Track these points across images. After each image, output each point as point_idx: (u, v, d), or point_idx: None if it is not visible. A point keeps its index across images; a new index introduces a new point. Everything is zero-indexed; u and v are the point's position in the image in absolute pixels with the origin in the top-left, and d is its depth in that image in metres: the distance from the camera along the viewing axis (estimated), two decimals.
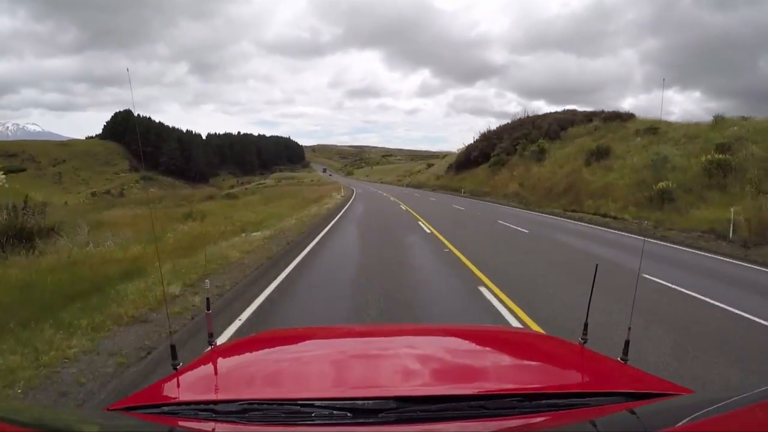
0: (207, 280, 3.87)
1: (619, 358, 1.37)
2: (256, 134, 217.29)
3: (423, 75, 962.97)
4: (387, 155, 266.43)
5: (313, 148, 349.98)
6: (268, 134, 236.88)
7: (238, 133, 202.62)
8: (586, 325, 1.53)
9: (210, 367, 1.32)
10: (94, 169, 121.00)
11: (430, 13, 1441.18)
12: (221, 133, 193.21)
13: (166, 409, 1.04)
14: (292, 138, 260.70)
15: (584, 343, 1.48)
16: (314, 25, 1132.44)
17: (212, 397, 1.09)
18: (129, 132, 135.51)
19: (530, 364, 1.40)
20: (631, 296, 4.97)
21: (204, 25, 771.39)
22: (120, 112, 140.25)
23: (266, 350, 1.55)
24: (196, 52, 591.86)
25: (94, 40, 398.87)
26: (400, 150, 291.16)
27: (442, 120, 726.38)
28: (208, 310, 1.58)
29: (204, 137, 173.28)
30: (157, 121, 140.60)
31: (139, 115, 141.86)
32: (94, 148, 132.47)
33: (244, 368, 1.37)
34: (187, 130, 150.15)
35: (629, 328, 1.46)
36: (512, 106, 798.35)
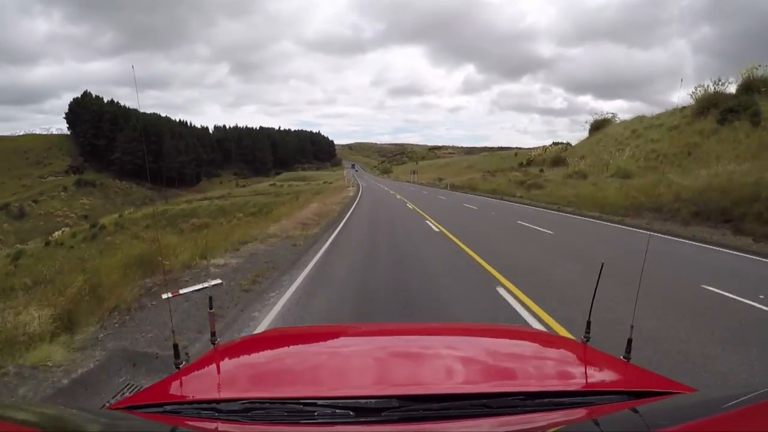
0: (213, 281, 3.95)
1: (621, 357, 1.35)
2: (276, 127, 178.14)
3: (467, 71, 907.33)
4: (435, 148, 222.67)
5: (351, 146, 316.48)
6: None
7: (260, 127, 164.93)
8: (588, 324, 1.51)
9: (213, 366, 1.32)
10: (15, 171, 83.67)
11: (476, 5, 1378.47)
12: (231, 125, 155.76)
13: (168, 408, 1.03)
14: (327, 136, 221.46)
15: (587, 341, 1.46)
16: (355, 20, 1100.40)
17: (215, 396, 1.08)
18: (80, 121, 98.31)
19: (533, 363, 1.37)
20: None
21: (243, 23, 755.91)
22: (77, 98, 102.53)
23: (269, 349, 1.51)
24: (236, 52, 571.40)
25: (132, 41, 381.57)
26: (444, 147, 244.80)
27: (484, 118, 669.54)
28: (211, 309, 1.58)
29: (200, 129, 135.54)
30: (124, 104, 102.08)
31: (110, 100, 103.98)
32: (30, 143, 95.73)
33: (247, 367, 1.35)
34: (163, 117, 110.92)
35: (632, 327, 1.43)
36: (558, 101, 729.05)
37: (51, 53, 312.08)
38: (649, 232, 10.60)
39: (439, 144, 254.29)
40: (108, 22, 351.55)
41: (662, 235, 10.88)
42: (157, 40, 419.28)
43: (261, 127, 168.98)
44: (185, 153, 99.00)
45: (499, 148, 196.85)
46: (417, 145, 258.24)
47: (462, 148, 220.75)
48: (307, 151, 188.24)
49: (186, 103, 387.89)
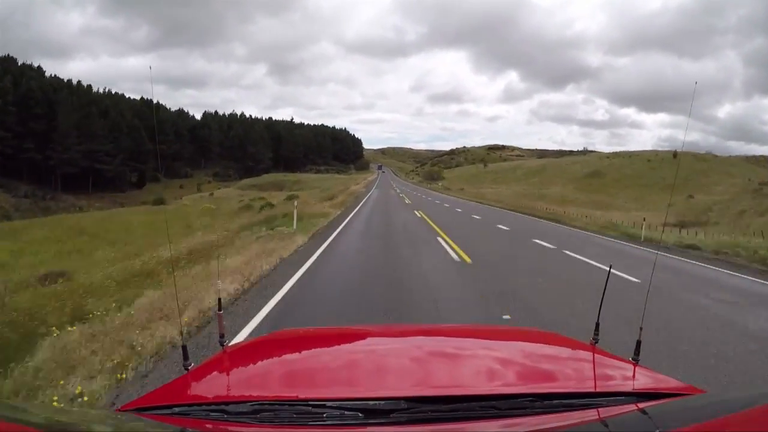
0: (219, 280, 3.66)
1: (630, 358, 1.34)
2: (286, 119, 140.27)
3: (509, 78, 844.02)
4: (494, 148, 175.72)
5: (383, 151, 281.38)
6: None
7: (268, 117, 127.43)
8: (597, 325, 1.50)
9: (221, 367, 1.33)
10: None
11: (524, 9, 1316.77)
12: (228, 113, 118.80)
13: (177, 410, 1.02)
14: (354, 133, 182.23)
15: (596, 342, 1.45)
16: (398, 22, 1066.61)
17: (224, 397, 1.08)
18: None
19: (541, 364, 1.36)
20: None
21: (281, 21, 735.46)
22: None
23: (277, 351, 1.51)
24: (274, 52, 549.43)
25: (167, 37, 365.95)
26: (509, 146, 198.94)
27: (522, 128, 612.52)
28: (220, 310, 1.59)
29: (170, 111, 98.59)
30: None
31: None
32: None
33: (256, 369, 1.35)
34: (74, 86, 72.93)
35: (641, 329, 1.42)
36: (600, 113, 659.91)
37: (85, 47, 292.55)
38: None
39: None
40: (142, 16, 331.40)
41: None
42: (193, 36, 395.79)
43: (269, 118, 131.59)
44: (101, 139, 60.56)
45: (579, 151, 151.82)
46: (453, 151, 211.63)
47: (533, 150, 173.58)
48: (325, 149, 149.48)
49: (223, 104, 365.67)
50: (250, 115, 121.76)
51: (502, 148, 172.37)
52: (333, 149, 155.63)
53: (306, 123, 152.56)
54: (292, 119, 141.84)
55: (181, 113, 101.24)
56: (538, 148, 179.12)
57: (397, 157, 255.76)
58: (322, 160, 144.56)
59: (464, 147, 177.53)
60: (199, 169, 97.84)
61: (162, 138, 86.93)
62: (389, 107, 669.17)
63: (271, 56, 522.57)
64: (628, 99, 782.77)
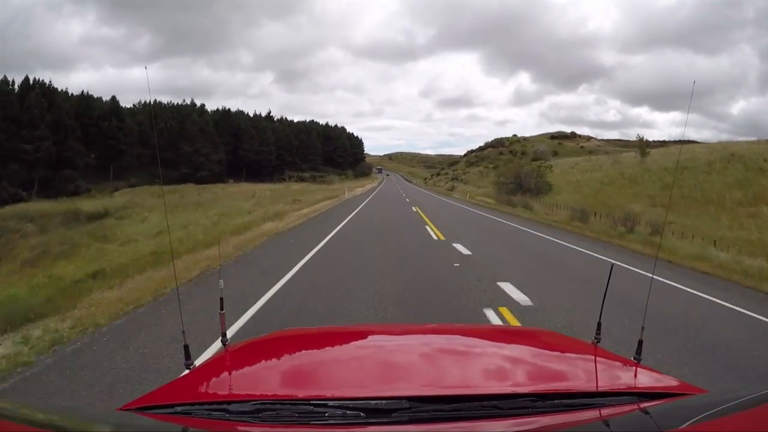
0: (221, 280, 3.49)
1: (632, 358, 1.35)
2: (254, 114, 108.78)
3: (520, 80, 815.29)
4: (561, 137, 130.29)
5: (390, 156, 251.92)
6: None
7: (223, 109, 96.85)
8: (599, 325, 1.50)
9: (223, 367, 1.35)
10: None
11: (536, 8, 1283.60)
12: (171, 101, 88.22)
13: (179, 409, 1.02)
14: (356, 134, 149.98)
15: (597, 342, 1.46)
16: (407, 25, 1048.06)
17: (225, 396, 1.09)
18: None
19: (543, 364, 1.36)
20: None
21: (287, 26, 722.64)
22: None
23: (279, 350, 1.53)
24: (280, 58, 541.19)
25: (171, 45, 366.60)
26: (581, 135, 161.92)
27: (531, 131, 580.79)
28: (222, 310, 1.57)
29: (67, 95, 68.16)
30: None
31: None
32: None
33: (258, 368, 1.35)
34: None
35: (642, 328, 1.42)
36: (611, 114, 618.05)
37: (87, 58, 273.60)
38: None
39: None
40: (144, 24, 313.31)
41: None
42: (197, 44, 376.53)
43: (228, 109, 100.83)
44: None
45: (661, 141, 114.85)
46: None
47: (612, 141, 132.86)
48: (312, 150, 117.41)
49: None
50: (183, 100, 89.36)
51: (573, 136, 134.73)
52: (324, 151, 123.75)
53: (286, 118, 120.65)
54: (270, 113, 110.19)
55: (84, 99, 70.43)
56: (612, 138, 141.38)
57: (405, 162, 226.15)
58: (308, 165, 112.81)
59: (515, 135, 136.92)
60: (107, 180, 66.89)
61: (27, 134, 56.27)
62: (398, 114, 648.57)
63: (277, 63, 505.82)
64: (641, 98, 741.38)
